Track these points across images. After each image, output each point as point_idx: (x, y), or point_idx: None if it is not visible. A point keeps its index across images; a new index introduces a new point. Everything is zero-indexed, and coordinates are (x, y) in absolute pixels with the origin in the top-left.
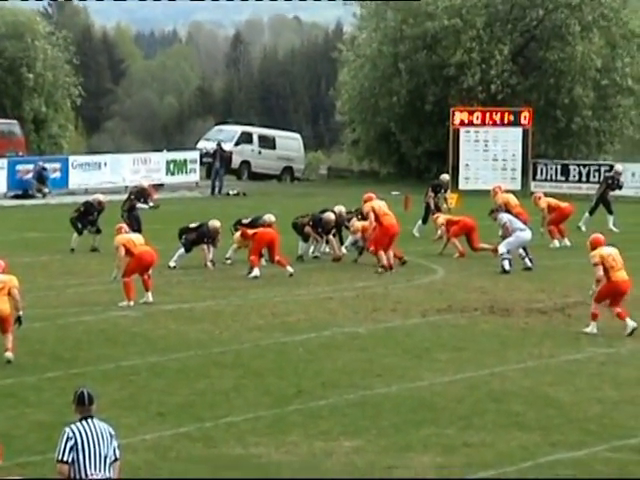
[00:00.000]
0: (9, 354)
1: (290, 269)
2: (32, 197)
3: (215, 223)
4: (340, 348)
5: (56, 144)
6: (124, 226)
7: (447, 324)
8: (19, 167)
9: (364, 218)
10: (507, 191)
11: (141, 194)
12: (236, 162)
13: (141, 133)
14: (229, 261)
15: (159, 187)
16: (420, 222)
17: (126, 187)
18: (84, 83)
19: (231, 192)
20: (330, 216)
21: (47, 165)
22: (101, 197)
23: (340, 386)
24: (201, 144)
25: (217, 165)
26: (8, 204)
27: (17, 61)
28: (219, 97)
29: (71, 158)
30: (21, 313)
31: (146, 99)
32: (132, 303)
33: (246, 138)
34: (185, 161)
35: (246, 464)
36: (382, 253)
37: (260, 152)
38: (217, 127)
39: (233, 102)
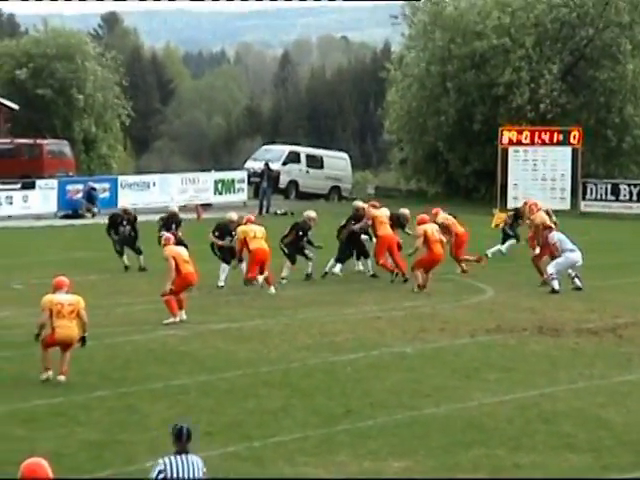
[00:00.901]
0: (62, 377)
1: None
2: (81, 217)
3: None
4: (388, 368)
5: (105, 164)
6: (171, 237)
7: (496, 344)
8: (69, 187)
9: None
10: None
11: (172, 220)
12: (284, 182)
13: (189, 153)
14: (284, 281)
15: (207, 207)
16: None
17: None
18: (133, 104)
19: (278, 211)
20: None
21: (96, 185)
22: (127, 205)
23: (388, 406)
24: (249, 164)
25: (265, 185)
26: (58, 224)
27: (68, 82)
28: (267, 117)
29: (120, 178)
30: (86, 334)
31: (194, 119)
32: (178, 318)
33: (294, 158)
34: (233, 181)
35: None
36: (418, 273)
37: (308, 171)
38: (265, 147)
39: (281, 122)
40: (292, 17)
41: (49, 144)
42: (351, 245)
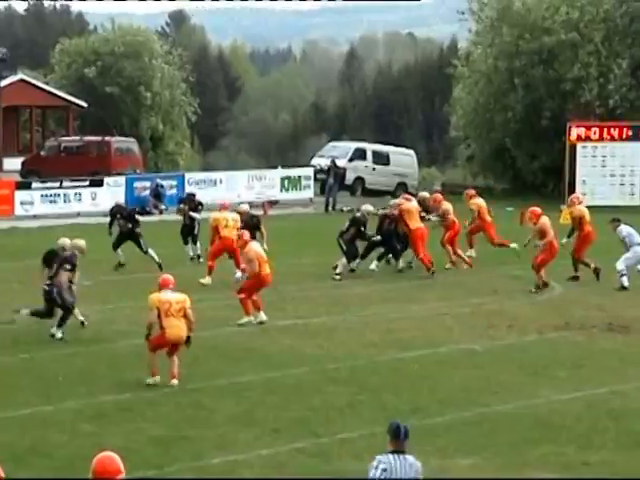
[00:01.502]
0: (174, 381)
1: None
2: (149, 214)
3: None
4: (456, 365)
5: (172, 161)
6: (247, 235)
7: (565, 341)
8: (136, 184)
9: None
10: (623, 207)
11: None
12: (350, 178)
13: (256, 150)
14: (338, 277)
15: (274, 204)
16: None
17: (239, 204)
18: (200, 101)
19: (345, 208)
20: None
21: (164, 182)
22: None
23: (456, 403)
24: (315, 161)
25: (331, 181)
26: None
27: (135, 80)
28: (333, 114)
29: (187, 175)
30: (191, 334)
31: (261, 116)
32: (252, 318)
33: (360, 154)
34: (299, 178)
35: None
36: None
37: (374, 168)
38: (331, 143)
39: (347, 118)
40: (358, 14)
41: (117, 142)
42: (397, 239)
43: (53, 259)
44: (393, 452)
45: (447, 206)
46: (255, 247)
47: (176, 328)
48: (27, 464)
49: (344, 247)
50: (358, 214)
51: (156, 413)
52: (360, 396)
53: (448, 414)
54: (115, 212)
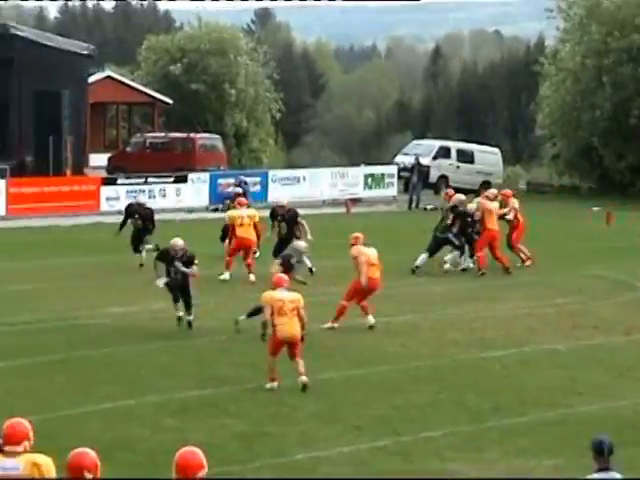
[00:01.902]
0: (304, 378)
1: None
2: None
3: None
4: (539, 365)
5: (256, 158)
6: (360, 236)
7: None
8: (221, 181)
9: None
10: None
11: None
12: (434, 176)
13: (339, 147)
14: (446, 265)
15: (357, 201)
16: None
17: (324, 201)
18: (284, 98)
19: (428, 207)
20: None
21: (247, 179)
22: (141, 200)
23: (539, 404)
24: (399, 158)
25: (414, 179)
26: (210, 217)
27: (220, 77)
28: (417, 111)
29: (271, 172)
30: (304, 333)
31: (344, 113)
32: (336, 325)
33: (444, 152)
34: (383, 175)
35: None
36: None
37: (458, 166)
38: (415, 141)
39: (431, 116)
40: (444, 11)
41: (201, 138)
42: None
43: (167, 258)
44: (598, 470)
45: (515, 203)
46: (363, 249)
47: (288, 326)
48: (110, 458)
49: (456, 242)
50: (461, 207)
51: (239, 409)
52: (442, 395)
53: (530, 414)
54: (133, 211)
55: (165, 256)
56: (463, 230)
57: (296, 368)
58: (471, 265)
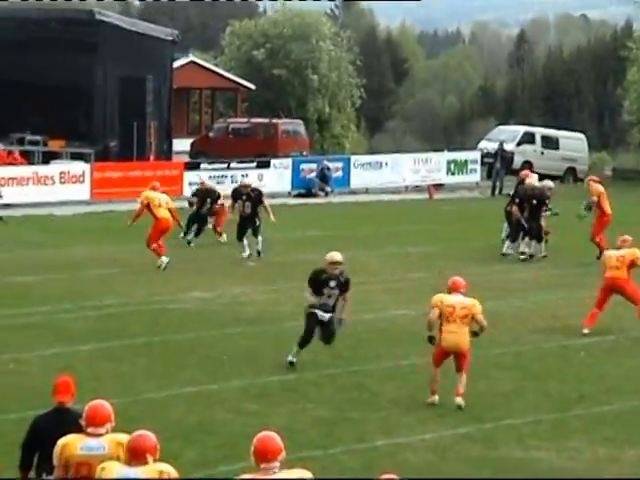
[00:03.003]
0: (459, 399)
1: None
2: (315, 196)
3: None
4: (625, 353)
5: (339, 144)
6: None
7: None
8: (303, 166)
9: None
10: None
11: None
12: (517, 162)
13: (421, 133)
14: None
15: (439, 187)
16: None
17: (406, 187)
18: (367, 83)
19: (511, 193)
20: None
21: (329, 165)
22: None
23: (624, 392)
24: (482, 144)
25: (498, 165)
26: (292, 202)
27: (303, 62)
28: (501, 97)
29: (353, 158)
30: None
31: (427, 99)
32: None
33: (528, 138)
34: (466, 161)
35: (527, 468)
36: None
37: (542, 152)
38: (499, 127)
39: (515, 102)
40: None
41: (284, 124)
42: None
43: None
44: None
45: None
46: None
47: (453, 335)
48: (193, 441)
49: (527, 226)
50: (549, 192)
51: (320, 394)
52: (525, 382)
53: (616, 403)
54: (240, 194)
55: (318, 276)
56: (534, 214)
57: (456, 385)
58: (527, 250)
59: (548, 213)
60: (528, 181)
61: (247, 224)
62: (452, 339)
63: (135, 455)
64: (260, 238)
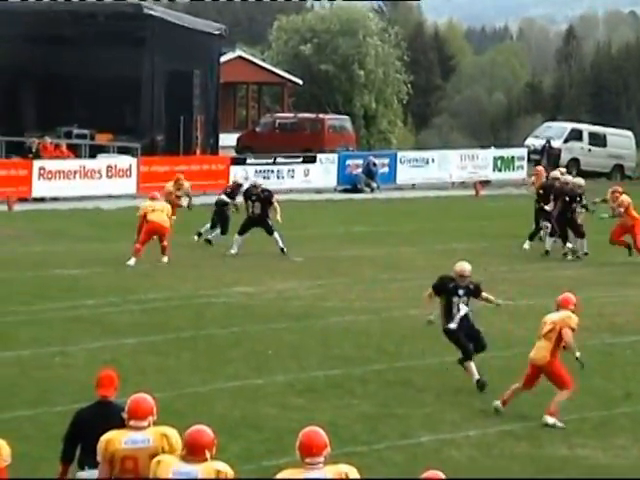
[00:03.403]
0: (549, 418)
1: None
2: (361, 192)
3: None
4: None
5: (385, 139)
6: None
7: None
8: (349, 162)
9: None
10: None
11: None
12: (565, 159)
13: (468, 129)
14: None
15: (486, 184)
16: None
17: (453, 183)
18: (414, 79)
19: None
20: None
21: (376, 160)
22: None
23: None
24: (529, 141)
25: (545, 162)
26: (337, 198)
27: (350, 58)
28: (548, 93)
29: (399, 154)
30: (578, 354)
31: (474, 95)
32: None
33: (576, 135)
34: (512, 158)
35: (572, 465)
36: None
37: (590, 149)
38: (546, 124)
39: (563, 99)
40: None
41: (330, 119)
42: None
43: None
44: None
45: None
46: None
47: (536, 349)
48: (238, 435)
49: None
50: (579, 190)
51: (365, 390)
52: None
53: None
54: (250, 194)
55: (444, 284)
56: (563, 213)
57: (555, 400)
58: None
59: (583, 210)
60: (563, 177)
61: (254, 224)
62: (533, 353)
63: (193, 450)
64: (276, 235)
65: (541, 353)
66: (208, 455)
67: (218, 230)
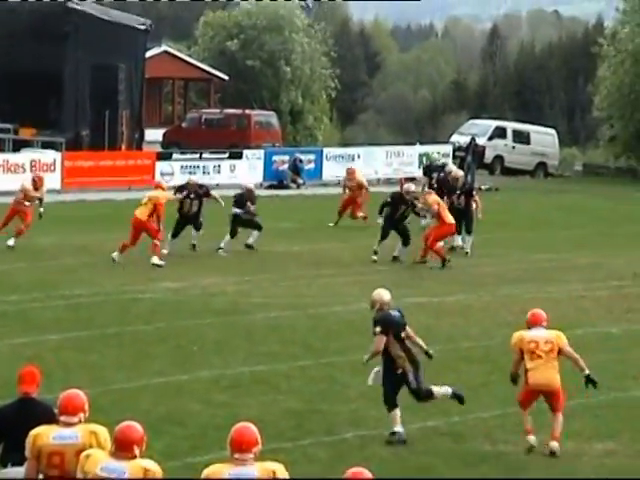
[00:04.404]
0: (554, 444)
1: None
2: (287, 188)
3: None
4: (592, 348)
5: (311, 136)
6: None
7: None
8: (275, 158)
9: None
10: None
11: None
12: (489, 157)
13: (394, 126)
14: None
15: (411, 180)
16: None
17: (378, 180)
18: (340, 76)
19: (483, 187)
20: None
21: (302, 156)
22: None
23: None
24: (454, 138)
25: (469, 159)
26: (263, 194)
27: (276, 54)
28: (473, 91)
29: (325, 150)
30: (587, 372)
31: (400, 92)
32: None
33: (500, 133)
34: (438, 154)
35: (494, 461)
36: None
37: (514, 147)
38: (471, 121)
39: (487, 96)
40: None
41: (257, 115)
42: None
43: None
44: None
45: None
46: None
47: (541, 371)
48: (162, 432)
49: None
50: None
51: (290, 386)
52: (493, 376)
53: (583, 397)
54: (189, 190)
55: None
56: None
57: (551, 427)
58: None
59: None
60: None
61: (188, 222)
62: (538, 376)
63: (122, 446)
64: (201, 233)
65: (552, 376)
66: (137, 451)
67: (255, 231)
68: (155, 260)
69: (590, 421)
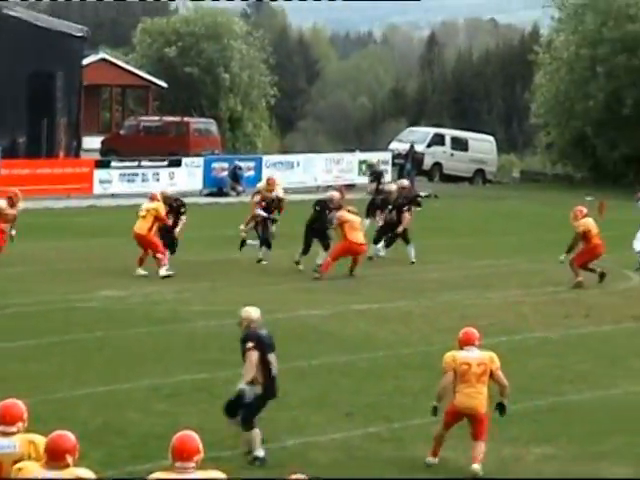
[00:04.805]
0: (476, 466)
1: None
2: (226, 195)
3: None
4: (530, 353)
5: (251, 143)
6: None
7: None
8: (215, 165)
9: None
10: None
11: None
12: (428, 163)
13: (333, 133)
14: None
15: (350, 187)
16: None
17: (318, 187)
18: (279, 83)
19: (422, 194)
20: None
21: (241, 164)
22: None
23: (530, 391)
24: (393, 145)
25: (408, 166)
26: (203, 201)
27: (215, 61)
28: (412, 98)
29: (265, 157)
30: (505, 400)
31: (339, 100)
32: None
33: (438, 140)
34: (377, 162)
35: (435, 467)
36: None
37: (452, 154)
38: (410, 128)
39: (426, 104)
40: None
41: (196, 122)
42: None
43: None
44: None
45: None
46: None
47: (467, 396)
48: (101, 442)
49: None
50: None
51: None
52: (433, 382)
53: (521, 402)
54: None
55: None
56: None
57: (473, 450)
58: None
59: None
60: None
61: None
62: (464, 401)
63: (54, 456)
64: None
65: (478, 400)
66: (70, 460)
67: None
68: (163, 272)
69: (528, 426)
